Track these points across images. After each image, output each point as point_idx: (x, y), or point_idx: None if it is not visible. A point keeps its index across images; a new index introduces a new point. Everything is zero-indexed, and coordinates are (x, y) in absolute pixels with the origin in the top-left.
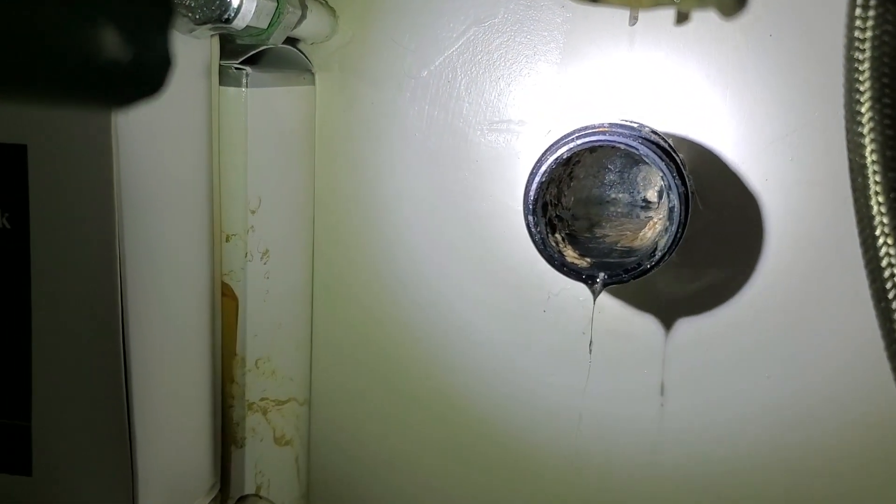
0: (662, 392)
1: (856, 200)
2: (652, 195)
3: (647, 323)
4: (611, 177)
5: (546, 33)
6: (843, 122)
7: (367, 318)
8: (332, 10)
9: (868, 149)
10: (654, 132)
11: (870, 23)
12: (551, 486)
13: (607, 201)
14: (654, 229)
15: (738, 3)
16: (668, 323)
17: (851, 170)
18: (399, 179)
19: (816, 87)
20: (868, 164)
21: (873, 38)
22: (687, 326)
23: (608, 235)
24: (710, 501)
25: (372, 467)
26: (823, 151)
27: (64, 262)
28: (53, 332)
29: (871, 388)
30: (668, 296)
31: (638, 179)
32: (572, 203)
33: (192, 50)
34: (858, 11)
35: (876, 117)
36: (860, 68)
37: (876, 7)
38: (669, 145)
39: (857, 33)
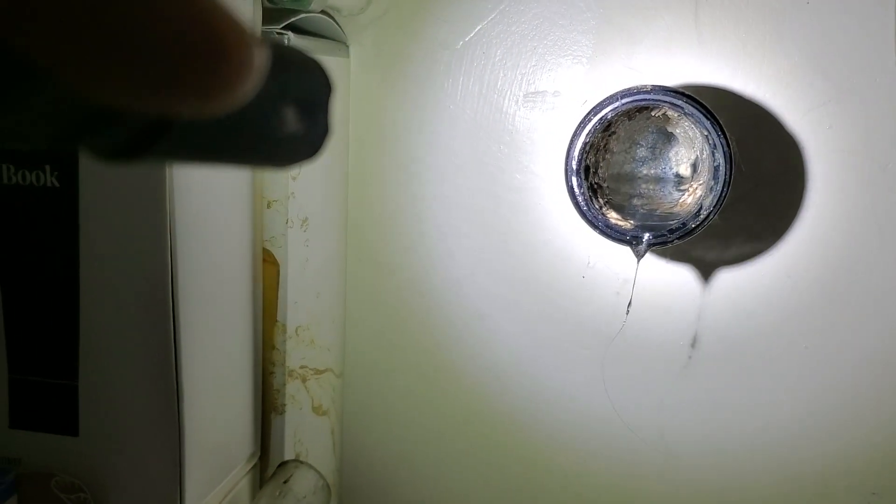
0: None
1: None
2: (685, 170)
3: (683, 296)
4: (642, 153)
5: (581, 3)
6: (880, 90)
7: (399, 291)
8: None
9: None
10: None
11: None
12: (585, 444)
13: (639, 177)
14: (694, 195)
15: None
16: (705, 290)
17: None
18: (433, 152)
19: (854, 54)
20: None
21: None
22: (723, 298)
23: (644, 206)
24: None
25: (402, 447)
26: (862, 119)
27: (112, 222)
28: (101, 293)
29: None
30: (705, 266)
31: (670, 155)
32: (607, 177)
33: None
34: None
35: None
36: None
37: None
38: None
39: None
